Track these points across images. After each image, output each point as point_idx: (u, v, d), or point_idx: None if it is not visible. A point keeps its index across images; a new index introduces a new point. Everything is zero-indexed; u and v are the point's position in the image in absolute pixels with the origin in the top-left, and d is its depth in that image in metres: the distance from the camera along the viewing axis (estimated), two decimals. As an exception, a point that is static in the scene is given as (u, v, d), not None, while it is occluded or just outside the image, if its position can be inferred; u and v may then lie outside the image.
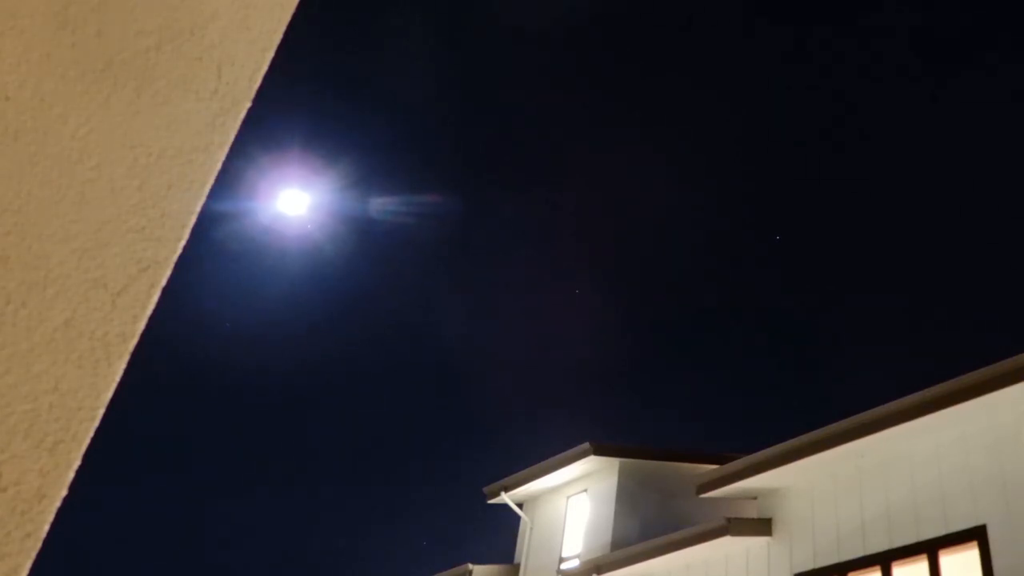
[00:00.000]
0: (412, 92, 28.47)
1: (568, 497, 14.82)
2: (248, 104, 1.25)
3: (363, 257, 22.13)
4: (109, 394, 1.04)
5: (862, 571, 9.15)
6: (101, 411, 1.03)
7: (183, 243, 1.14)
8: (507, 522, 16.01)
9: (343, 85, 29.10)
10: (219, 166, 1.20)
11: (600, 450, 13.92)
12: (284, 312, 27.46)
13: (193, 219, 1.16)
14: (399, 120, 30.26)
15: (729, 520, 10.54)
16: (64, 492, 0.99)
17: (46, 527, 0.97)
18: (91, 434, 1.02)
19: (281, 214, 15.49)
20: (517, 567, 15.02)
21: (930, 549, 8.52)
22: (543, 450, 15.47)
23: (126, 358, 1.06)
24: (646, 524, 13.31)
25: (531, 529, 15.30)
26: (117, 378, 1.05)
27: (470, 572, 14.66)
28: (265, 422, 35.04)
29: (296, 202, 15.33)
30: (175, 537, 33.14)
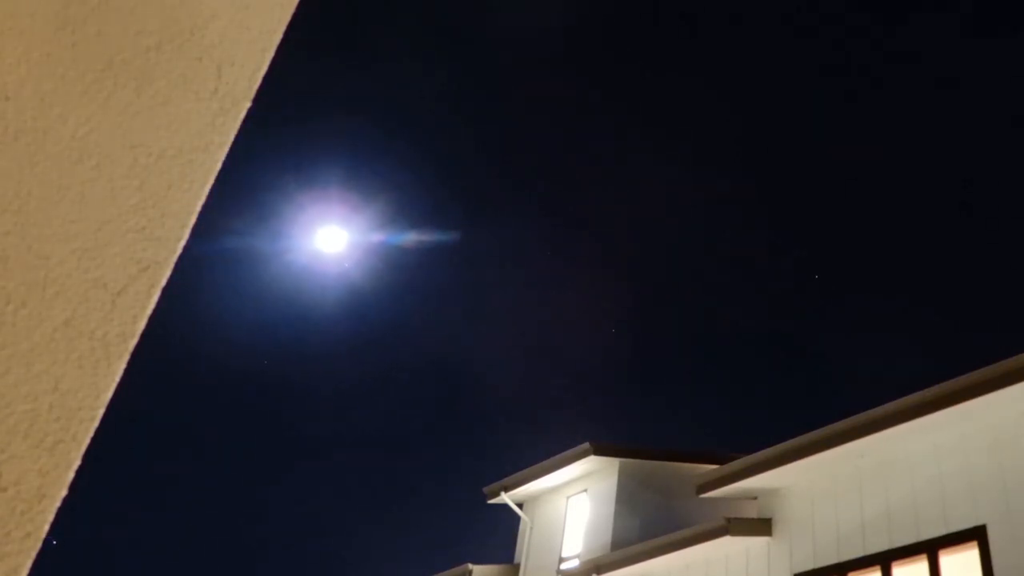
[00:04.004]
0: (440, 125, 28.87)
1: (568, 497, 14.82)
2: (248, 104, 1.25)
3: (369, 269, 22.29)
4: (109, 394, 1.04)
5: (862, 571, 9.14)
6: (101, 411, 1.03)
7: (183, 243, 1.14)
8: (507, 522, 16.02)
9: (380, 119, 29.48)
10: (219, 166, 1.20)
11: (600, 450, 13.92)
12: (289, 318, 27.61)
13: (193, 219, 1.16)
14: (430, 155, 30.66)
15: (729, 520, 10.53)
16: (64, 492, 0.99)
17: (46, 527, 0.97)
18: (91, 434, 1.02)
19: (318, 249, 16.82)
20: (517, 567, 15.02)
21: (930, 549, 8.52)
22: (543, 450, 15.48)
23: (126, 358, 1.06)
24: (646, 524, 13.30)
25: (531, 529, 15.30)
26: (117, 378, 1.05)
27: (470, 572, 14.66)
28: (266, 424, 35.09)
29: (334, 238, 16.92)
30: (176, 538, 33.16)
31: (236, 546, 33.44)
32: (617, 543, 12.98)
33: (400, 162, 29.31)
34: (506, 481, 15.51)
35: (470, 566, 14.71)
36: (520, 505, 15.73)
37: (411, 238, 23.25)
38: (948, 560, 8.42)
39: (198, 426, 33.71)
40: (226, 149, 1.22)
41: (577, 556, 13.70)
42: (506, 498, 15.52)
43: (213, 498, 33.99)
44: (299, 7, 1.34)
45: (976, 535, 8.15)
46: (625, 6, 27.85)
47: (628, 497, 13.73)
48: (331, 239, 17.38)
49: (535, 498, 15.56)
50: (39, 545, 0.96)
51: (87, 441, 1.01)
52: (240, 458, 34.63)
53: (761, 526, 10.52)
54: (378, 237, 20.96)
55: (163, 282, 1.11)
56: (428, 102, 29.73)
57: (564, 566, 13.88)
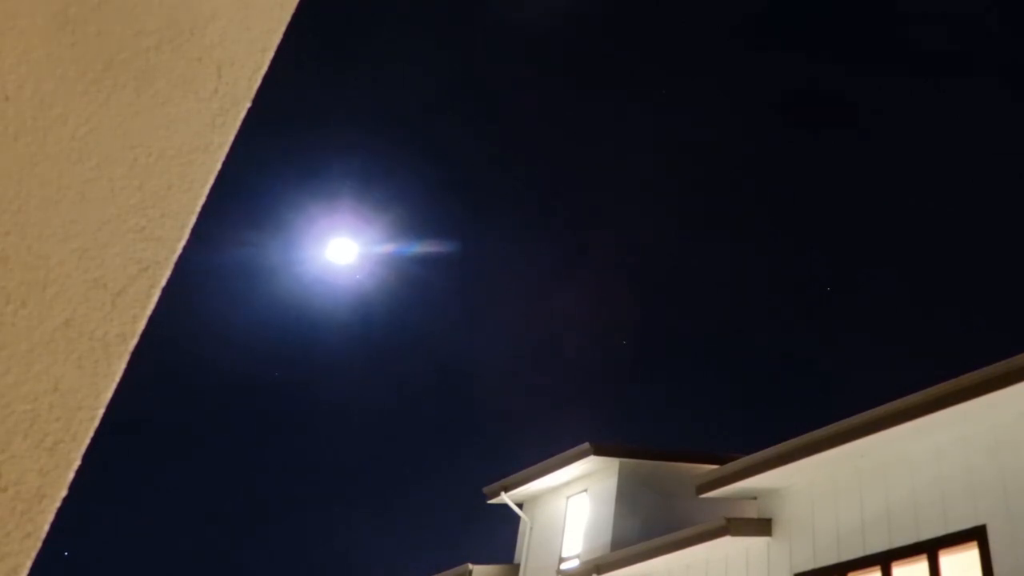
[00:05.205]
0: (446, 134, 29.05)
1: (568, 497, 14.81)
2: (248, 104, 1.25)
3: (378, 279, 22.42)
4: (109, 394, 1.04)
5: (862, 571, 9.14)
6: (101, 411, 1.03)
7: (183, 243, 1.14)
8: (507, 522, 16.02)
9: (392, 131, 29.70)
10: (219, 166, 1.20)
11: (600, 450, 13.91)
12: (300, 328, 27.78)
13: (193, 219, 1.16)
14: (437, 164, 30.86)
15: (729, 520, 10.53)
16: (64, 492, 0.99)
17: (46, 527, 0.97)
18: (91, 434, 1.02)
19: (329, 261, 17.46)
20: (517, 567, 15.02)
21: (930, 549, 8.51)
22: (543, 450, 15.48)
23: (126, 358, 1.06)
24: (646, 524, 13.30)
25: (531, 529, 15.30)
26: (117, 378, 1.05)
27: (470, 572, 14.65)
28: (271, 428, 35.14)
29: (345, 250, 17.76)
30: (178, 537, 33.18)
31: (237, 546, 33.47)
32: (617, 543, 12.98)
33: (409, 173, 29.46)
34: (506, 481, 15.51)
35: (470, 566, 14.71)
36: (520, 505, 15.73)
37: (419, 248, 23.38)
38: (948, 560, 8.41)
39: (209, 432, 33.98)
40: (226, 149, 1.22)
41: (577, 556, 13.70)
42: (506, 498, 15.51)
43: (217, 499, 34.08)
44: (299, 8, 1.34)
45: (976, 535, 8.15)
46: (624, 6, 27.88)
47: (628, 497, 13.73)
48: (342, 251, 17.80)
49: (535, 498, 15.56)
50: (39, 545, 0.96)
51: (87, 441, 1.01)
52: (245, 461, 34.75)
53: (761, 526, 10.52)
54: (387, 248, 21.13)
55: (163, 282, 1.11)
56: (436, 111, 29.89)
57: (564, 566, 13.88)
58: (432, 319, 32.07)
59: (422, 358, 33.36)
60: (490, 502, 15.97)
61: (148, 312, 1.09)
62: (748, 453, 10.68)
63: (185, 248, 1.15)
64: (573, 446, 14.27)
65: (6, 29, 1.08)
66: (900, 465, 9.17)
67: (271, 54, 1.29)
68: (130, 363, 1.07)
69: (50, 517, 0.97)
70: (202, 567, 33.69)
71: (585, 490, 14.49)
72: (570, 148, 31.70)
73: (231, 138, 1.22)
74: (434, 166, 31.47)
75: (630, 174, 30.63)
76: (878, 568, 8.96)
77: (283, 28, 1.31)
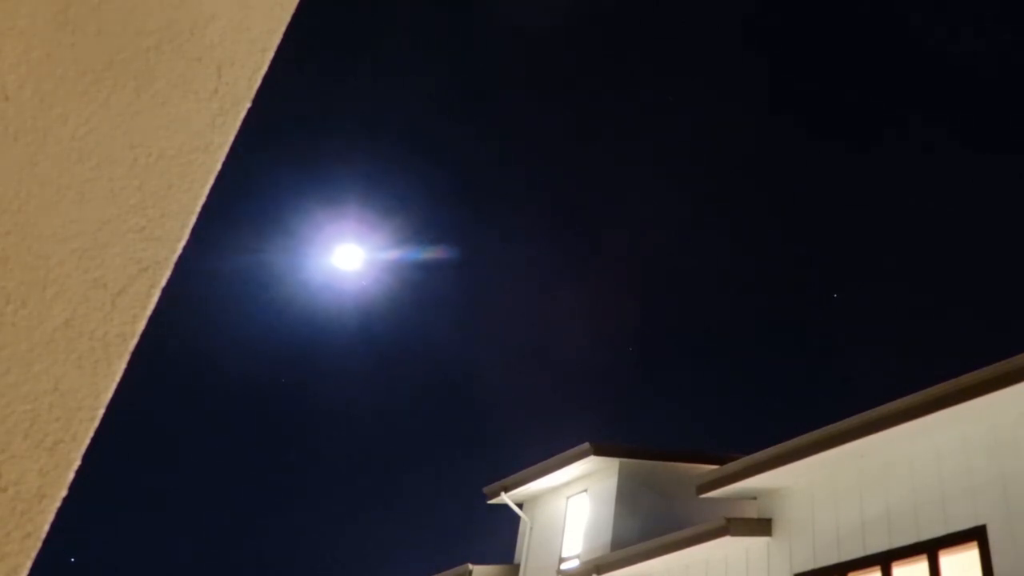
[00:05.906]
0: (451, 138, 29.15)
1: (568, 497, 14.81)
2: (248, 104, 1.25)
3: (383, 284, 22.48)
4: (109, 394, 1.04)
5: (862, 571, 9.14)
6: (101, 411, 1.03)
7: (183, 243, 1.14)
8: (507, 522, 16.01)
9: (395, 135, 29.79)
10: (219, 166, 1.20)
11: (600, 450, 13.91)
12: (296, 327, 27.84)
13: (193, 219, 1.16)
14: (442, 169, 30.96)
15: (729, 520, 10.53)
16: (64, 492, 0.99)
17: (46, 527, 0.97)
18: (91, 434, 1.02)
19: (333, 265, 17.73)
20: (517, 567, 15.01)
21: (930, 549, 8.51)
22: (543, 450, 15.47)
23: (126, 358, 1.06)
24: (646, 524, 13.30)
25: (531, 529, 15.29)
26: (117, 378, 1.05)
27: (470, 572, 14.65)
28: (268, 426, 35.16)
29: (350, 256, 18.37)
30: (179, 537, 33.21)
31: (239, 547, 33.49)
32: (617, 543, 12.98)
33: (412, 177, 29.55)
34: (506, 481, 15.51)
35: (470, 566, 14.71)
36: (520, 505, 15.73)
37: (424, 253, 23.45)
38: (948, 560, 8.41)
39: (211, 433, 34.07)
40: (226, 149, 1.22)
41: (577, 556, 13.70)
42: (506, 498, 15.51)
43: (218, 500, 34.12)
44: (299, 8, 1.34)
45: (976, 535, 8.15)
46: (625, 7, 27.90)
47: (628, 497, 13.73)
48: (348, 257, 18.06)
49: (535, 498, 15.56)
50: (39, 545, 0.96)
51: (87, 441, 1.01)
52: (247, 462, 34.81)
53: (761, 526, 10.51)
54: (393, 254, 21.24)
55: (163, 282, 1.11)
56: (438, 114, 29.96)
57: (564, 566, 13.88)
58: (434, 321, 32.08)
59: (424, 359, 33.40)
60: (490, 502, 15.97)
61: (148, 312, 1.09)
62: (748, 453, 10.68)
63: (195, 253, 1.15)
64: (573, 446, 14.27)
65: (6, 29, 1.08)
66: (900, 465, 9.16)
67: (271, 54, 1.29)
68: (130, 363, 1.07)
69: (50, 517, 0.97)
70: (203, 568, 33.72)
71: (585, 490, 14.49)
72: (570, 148, 31.72)
73: (231, 138, 1.22)
74: (437, 169, 31.54)
75: (631, 174, 30.65)
76: (878, 568, 8.96)
77: (283, 28, 1.31)
